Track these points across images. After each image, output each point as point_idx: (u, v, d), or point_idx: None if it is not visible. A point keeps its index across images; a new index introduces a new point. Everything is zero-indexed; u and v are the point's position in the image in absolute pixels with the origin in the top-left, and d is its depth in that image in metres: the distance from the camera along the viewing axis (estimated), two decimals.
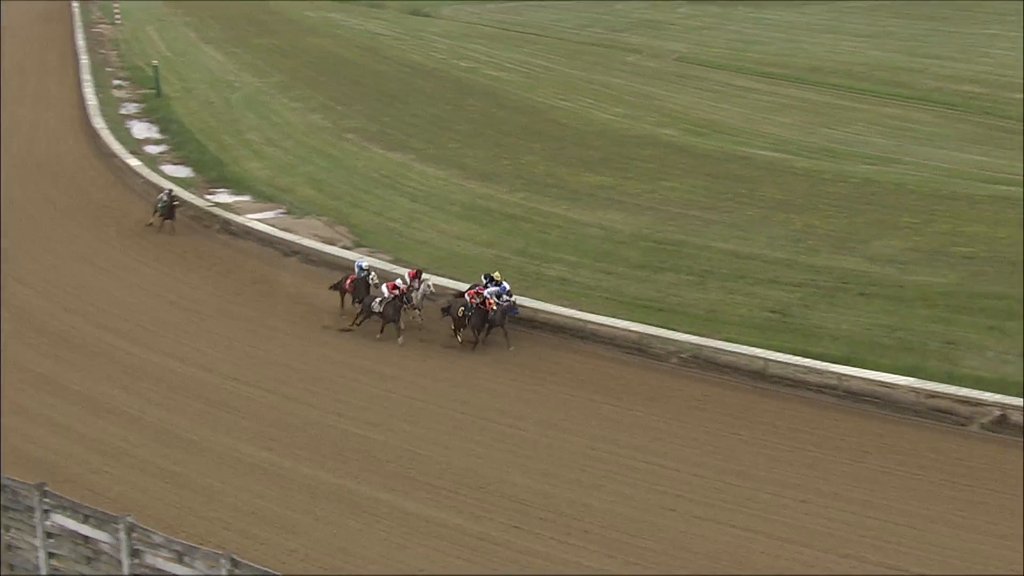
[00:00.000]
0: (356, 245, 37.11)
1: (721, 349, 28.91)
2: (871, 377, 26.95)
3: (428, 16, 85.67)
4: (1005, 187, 41.62)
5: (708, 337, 29.36)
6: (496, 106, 56.65)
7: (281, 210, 41.19)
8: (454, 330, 30.51)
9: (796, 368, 27.82)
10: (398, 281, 31.11)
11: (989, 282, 32.29)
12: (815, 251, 35.24)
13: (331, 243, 37.35)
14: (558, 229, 38.19)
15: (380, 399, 27.57)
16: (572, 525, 22.21)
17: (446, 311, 30.72)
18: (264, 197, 42.65)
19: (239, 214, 40.24)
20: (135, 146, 49.81)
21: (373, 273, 31.95)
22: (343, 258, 35.33)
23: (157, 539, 17.86)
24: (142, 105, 57.87)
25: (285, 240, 37.75)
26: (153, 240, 38.92)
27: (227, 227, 39.62)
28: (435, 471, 24.19)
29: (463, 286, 31.62)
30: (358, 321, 31.21)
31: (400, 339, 30.68)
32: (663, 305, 31.97)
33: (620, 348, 30.02)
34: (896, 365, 27.39)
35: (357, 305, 31.70)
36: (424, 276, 31.95)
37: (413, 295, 31.32)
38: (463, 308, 30.21)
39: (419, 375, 28.91)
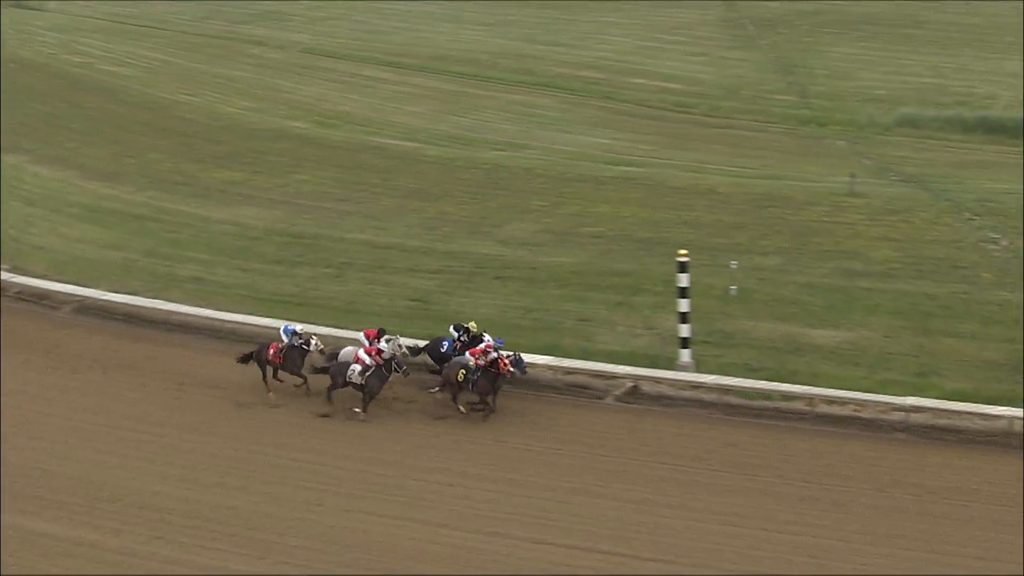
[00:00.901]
0: None
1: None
2: None
3: (33, 8, 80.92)
4: (628, 168, 43.41)
5: (349, 329, 29.08)
6: (115, 103, 54.26)
7: None
8: (452, 397, 25.74)
9: None
10: (383, 345, 25.79)
11: (616, 260, 33.51)
12: (450, 238, 35.59)
13: None
14: (189, 228, 36.95)
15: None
16: (218, 530, 21.46)
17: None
18: None
19: None
20: None
21: (316, 339, 26.63)
22: None
23: None
24: None
25: None
26: None
27: None
28: (67, 487, 22.81)
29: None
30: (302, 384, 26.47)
31: (363, 415, 25.54)
32: (303, 299, 31.51)
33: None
34: (534, 345, 27.96)
35: (295, 376, 26.60)
36: (387, 336, 26.24)
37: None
38: (464, 371, 25.37)
39: (45, 388, 27.28)
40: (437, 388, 26.36)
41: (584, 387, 26.77)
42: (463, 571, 20.20)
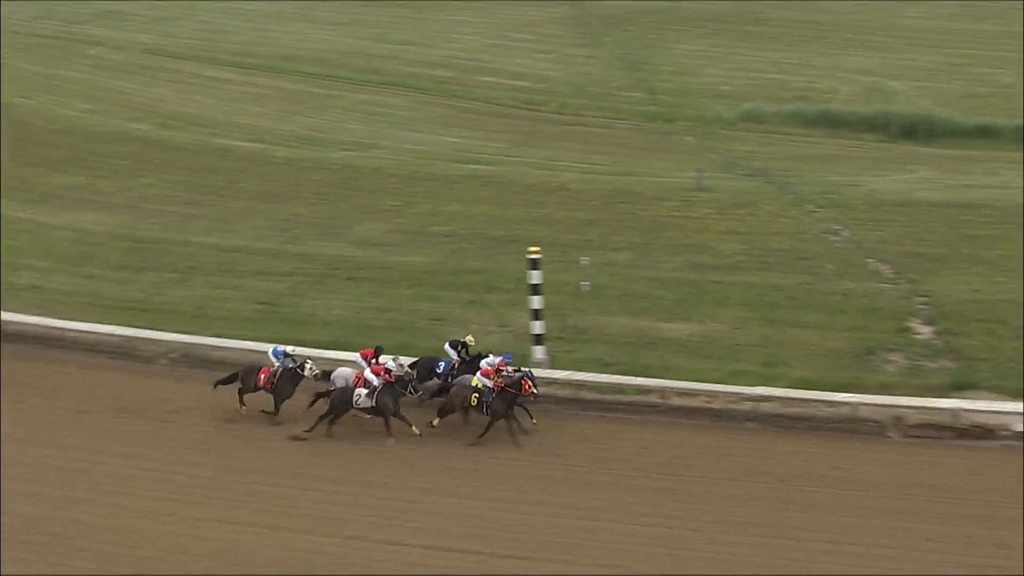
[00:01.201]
0: None
1: (212, 346, 28.17)
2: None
3: None
4: (479, 166, 43.39)
5: (198, 335, 28.48)
6: None
7: None
8: (464, 422, 24.44)
9: None
10: (390, 363, 24.27)
11: (469, 258, 33.45)
12: (301, 239, 35.14)
13: None
14: (26, 234, 35.80)
15: None
16: (65, 544, 20.78)
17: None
18: None
19: None
20: None
21: (311, 363, 24.93)
22: None
23: None
24: None
25: None
26: None
27: None
28: None
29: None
30: (313, 426, 24.46)
31: (392, 440, 24.07)
32: (148, 306, 30.80)
33: (105, 354, 28.64)
34: (388, 345, 27.54)
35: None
36: (383, 355, 25.12)
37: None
38: (475, 394, 23.87)
39: None
40: (436, 420, 24.28)
41: None
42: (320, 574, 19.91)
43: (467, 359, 25.34)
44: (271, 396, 25.12)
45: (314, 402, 24.89)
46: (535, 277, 26.76)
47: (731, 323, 28.70)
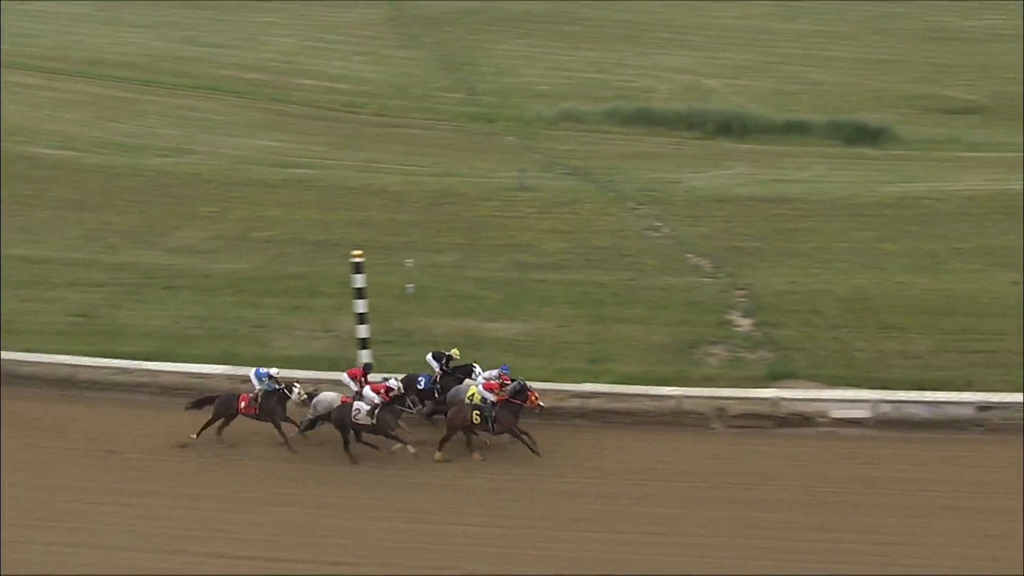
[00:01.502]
0: None
1: (23, 360, 27.08)
2: (184, 370, 26.44)
3: None
4: (299, 170, 42.87)
5: (8, 350, 27.37)
6: None
7: None
8: (467, 442, 23.16)
9: (106, 371, 26.67)
10: (391, 382, 23.34)
11: (291, 263, 32.98)
12: (115, 249, 34.18)
13: None
14: None
15: None
16: None
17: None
18: None
19: None
20: None
21: (299, 386, 23.69)
22: None
23: None
24: None
25: None
26: None
27: None
28: None
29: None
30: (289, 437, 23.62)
31: (397, 447, 23.24)
32: None
33: None
34: (209, 354, 27.11)
35: (295, 426, 23.74)
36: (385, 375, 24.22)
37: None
38: (477, 410, 22.82)
39: None
40: (439, 455, 22.99)
41: None
42: None
43: (449, 371, 24.39)
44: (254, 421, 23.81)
45: (308, 427, 23.66)
46: (359, 281, 26.44)
47: (556, 321, 28.84)
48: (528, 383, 23.26)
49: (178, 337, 28.27)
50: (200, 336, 28.49)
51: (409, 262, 30.73)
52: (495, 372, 23.79)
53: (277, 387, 23.75)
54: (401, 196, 39.05)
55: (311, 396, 23.97)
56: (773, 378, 25.57)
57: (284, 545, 20.49)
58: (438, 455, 23.07)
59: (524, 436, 22.91)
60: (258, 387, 23.88)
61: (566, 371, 26.13)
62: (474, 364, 24.44)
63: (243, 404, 23.83)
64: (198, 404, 24.27)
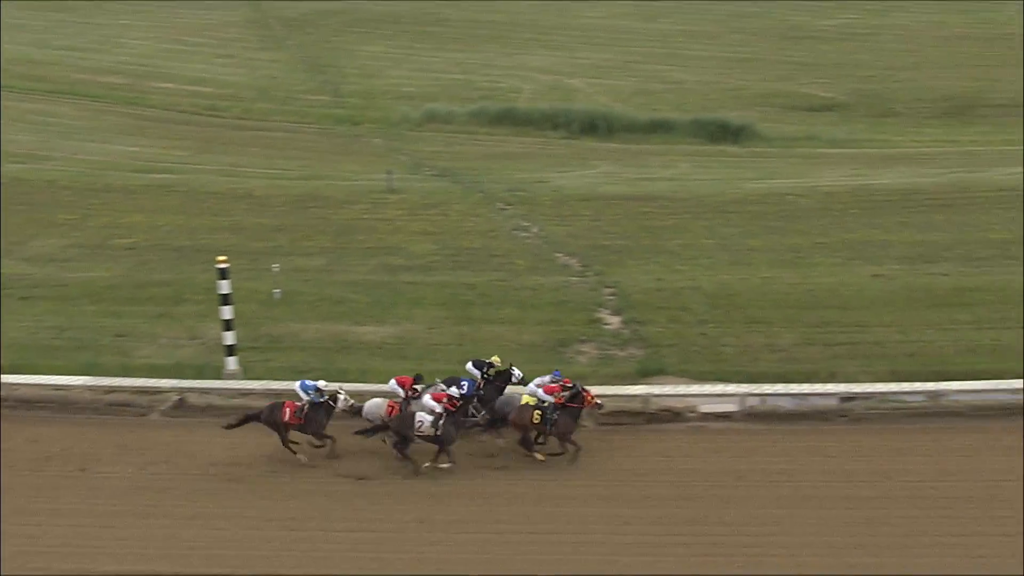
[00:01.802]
0: None
1: None
2: (43, 382, 25.77)
3: None
4: (160, 175, 42.10)
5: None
6: None
7: None
8: (525, 445, 22.56)
9: None
10: (452, 391, 22.57)
11: (154, 270, 32.36)
12: None
13: None
14: None
15: None
16: None
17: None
18: None
19: None
20: None
21: (344, 395, 23.16)
22: None
23: None
24: None
25: None
26: None
27: None
28: None
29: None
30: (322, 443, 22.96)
31: (446, 464, 22.37)
32: None
33: None
34: (71, 365, 26.41)
35: (314, 437, 23.03)
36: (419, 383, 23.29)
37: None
38: (537, 411, 22.30)
39: None
40: (541, 455, 22.46)
41: (127, 404, 25.56)
42: None
43: (491, 378, 23.68)
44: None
45: (368, 434, 22.88)
46: (224, 287, 26.00)
47: (426, 323, 28.72)
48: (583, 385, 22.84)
49: (38, 348, 27.50)
50: (60, 347, 27.77)
51: (275, 267, 30.33)
52: (547, 378, 23.21)
53: (323, 399, 23.23)
54: (266, 200, 38.57)
55: (359, 408, 23.43)
56: (643, 375, 25.79)
57: (151, 557, 20.04)
58: (540, 455, 22.54)
59: (572, 446, 22.47)
60: (304, 399, 23.27)
61: (437, 372, 25.98)
62: (513, 368, 23.80)
63: (288, 414, 23.13)
64: (240, 423, 23.42)
